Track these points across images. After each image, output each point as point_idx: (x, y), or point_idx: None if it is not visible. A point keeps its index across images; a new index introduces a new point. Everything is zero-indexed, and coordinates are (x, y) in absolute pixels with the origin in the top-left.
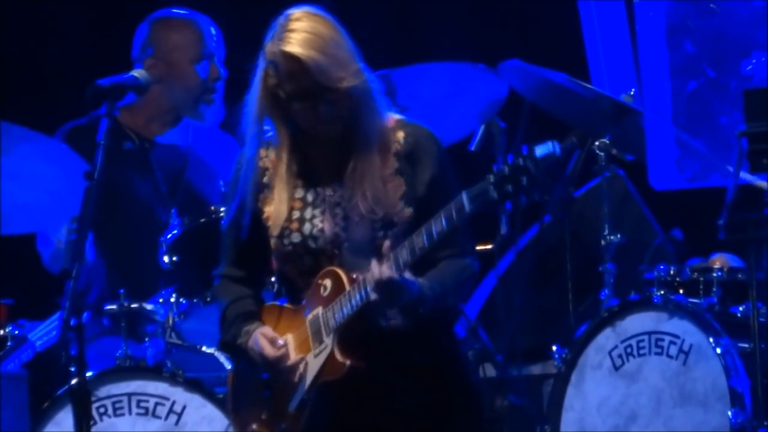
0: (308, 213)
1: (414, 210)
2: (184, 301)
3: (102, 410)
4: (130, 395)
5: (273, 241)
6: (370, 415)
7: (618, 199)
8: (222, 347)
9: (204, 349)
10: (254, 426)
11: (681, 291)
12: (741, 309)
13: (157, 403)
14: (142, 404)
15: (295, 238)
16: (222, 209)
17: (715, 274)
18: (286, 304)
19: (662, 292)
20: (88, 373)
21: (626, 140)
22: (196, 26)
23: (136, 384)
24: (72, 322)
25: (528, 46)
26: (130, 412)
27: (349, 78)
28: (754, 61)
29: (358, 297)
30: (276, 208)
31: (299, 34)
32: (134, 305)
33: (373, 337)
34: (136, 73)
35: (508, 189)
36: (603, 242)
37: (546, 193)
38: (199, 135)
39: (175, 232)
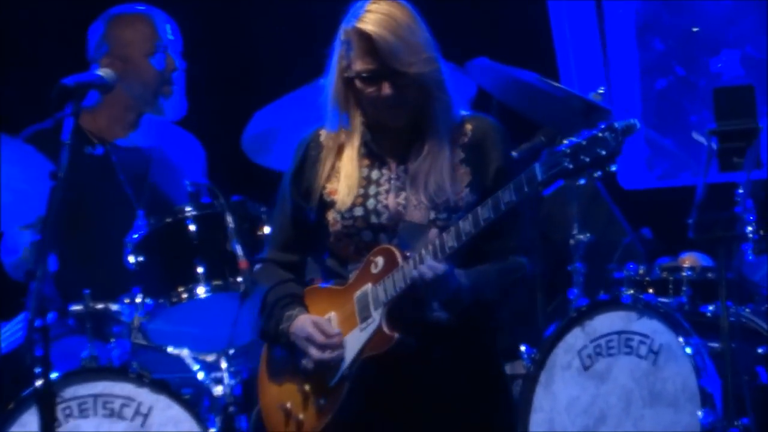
0: (372, 190)
1: (479, 197)
2: (149, 302)
3: (67, 411)
4: (95, 396)
5: (332, 216)
6: (409, 392)
7: (587, 198)
8: (262, 336)
9: (170, 350)
10: (288, 405)
11: (650, 290)
12: (711, 308)
13: (123, 405)
14: (108, 405)
15: (358, 212)
16: (187, 209)
17: (684, 274)
18: (329, 286)
19: (631, 292)
20: (54, 374)
21: None
22: (148, 20)
23: (102, 385)
24: (37, 323)
25: (496, 45)
26: (95, 414)
27: (418, 65)
28: (723, 59)
29: (413, 273)
30: (344, 183)
31: (375, 14)
32: (99, 306)
33: (418, 321)
34: (101, 71)
35: (584, 160)
36: (572, 241)
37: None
38: (162, 136)
39: (141, 232)
